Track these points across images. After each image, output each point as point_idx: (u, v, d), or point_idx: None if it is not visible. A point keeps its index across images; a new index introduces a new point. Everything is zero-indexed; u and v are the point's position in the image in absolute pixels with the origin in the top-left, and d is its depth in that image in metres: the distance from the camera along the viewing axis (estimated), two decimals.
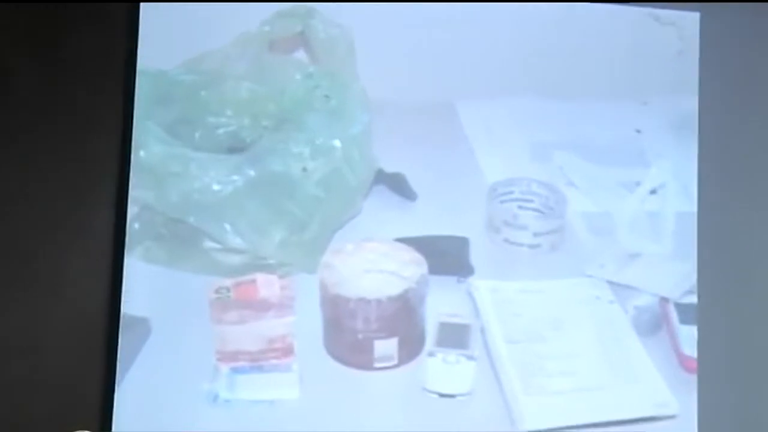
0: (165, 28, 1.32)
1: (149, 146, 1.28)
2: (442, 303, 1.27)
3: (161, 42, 1.32)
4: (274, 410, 1.19)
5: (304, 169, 1.30)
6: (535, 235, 1.38)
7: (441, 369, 1.19)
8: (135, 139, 1.28)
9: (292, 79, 1.38)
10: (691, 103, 1.39)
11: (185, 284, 1.29)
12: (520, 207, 1.42)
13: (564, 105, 1.69)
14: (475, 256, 1.36)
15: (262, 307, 1.20)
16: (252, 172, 1.28)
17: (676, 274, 1.32)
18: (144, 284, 1.29)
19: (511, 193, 1.43)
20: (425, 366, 1.20)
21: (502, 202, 1.42)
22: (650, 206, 1.41)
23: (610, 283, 1.33)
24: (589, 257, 1.36)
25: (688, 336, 1.26)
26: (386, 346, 1.21)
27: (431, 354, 1.19)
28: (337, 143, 1.32)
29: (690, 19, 1.38)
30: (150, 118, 1.30)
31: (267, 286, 1.21)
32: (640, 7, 1.47)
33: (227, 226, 1.28)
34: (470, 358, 1.19)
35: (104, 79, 1.29)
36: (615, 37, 1.44)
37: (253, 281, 1.21)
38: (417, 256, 1.26)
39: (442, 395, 1.19)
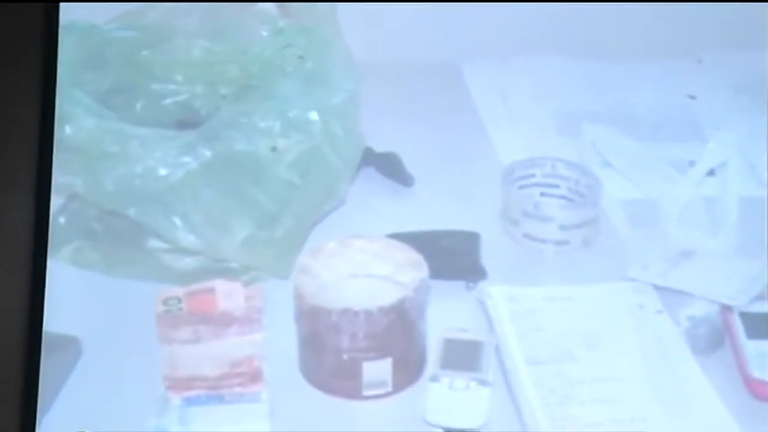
0: None
1: (77, 120, 1.27)
2: (447, 315, 1.27)
3: None
4: None
5: (274, 149, 1.30)
6: (563, 228, 1.38)
7: (446, 397, 1.17)
8: (59, 112, 1.27)
9: (258, 35, 1.39)
10: (759, 60, 1.41)
11: (125, 294, 1.30)
12: (543, 194, 1.45)
13: (597, 65, 1.71)
14: (488, 256, 1.37)
15: (223, 321, 1.18)
16: (208, 153, 1.28)
17: (741, 276, 1.31)
18: (73, 294, 1.30)
19: (532, 176, 1.46)
20: (427, 393, 1.18)
21: (520, 187, 1.45)
22: (708, 191, 1.44)
23: (657, 288, 1.32)
24: (630, 256, 1.37)
25: (758, 354, 1.23)
26: (378, 370, 1.20)
27: (434, 378, 1.18)
28: (314, 116, 1.33)
29: None
30: (78, 84, 1.30)
31: (228, 295, 1.20)
32: None
33: (177, 221, 1.28)
34: (483, 383, 1.17)
35: (18, 36, 1.29)
36: None
37: (211, 290, 1.20)
38: (415, 257, 1.24)
39: (448, 430, 1.17)
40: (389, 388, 1.20)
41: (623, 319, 1.29)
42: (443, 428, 1.16)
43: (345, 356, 1.19)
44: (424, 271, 1.22)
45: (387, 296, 1.19)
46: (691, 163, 1.47)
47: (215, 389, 1.17)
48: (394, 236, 1.30)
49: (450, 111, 1.65)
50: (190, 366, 1.17)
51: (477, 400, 1.16)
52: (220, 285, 1.19)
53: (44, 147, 1.26)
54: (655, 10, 1.56)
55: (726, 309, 1.27)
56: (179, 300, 1.18)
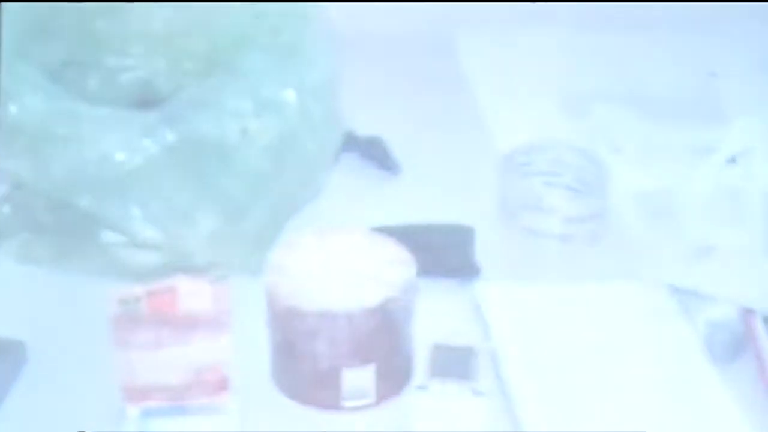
0: None
1: (22, 98, 1.27)
2: (437, 317, 1.26)
3: None
4: None
5: (245, 132, 1.30)
6: (567, 221, 1.40)
7: (436, 408, 1.17)
8: (2, 89, 1.26)
9: (227, 4, 1.39)
10: None
11: (76, 293, 1.30)
12: (546, 183, 1.45)
13: (607, 39, 1.71)
14: (484, 252, 1.38)
15: (186, 324, 1.18)
16: (170, 136, 1.28)
17: (766, 277, 1.32)
18: (18, 293, 1.31)
19: (534, 163, 1.45)
20: (414, 405, 1.18)
21: (521, 176, 1.45)
22: (729, 180, 1.43)
23: (673, 288, 1.32)
24: (642, 253, 1.38)
25: None
26: (360, 378, 1.20)
27: (422, 388, 1.17)
28: (290, 95, 1.33)
29: None
30: (23, 58, 1.30)
31: (192, 295, 1.19)
32: None
33: (136, 212, 1.28)
34: (476, 393, 1.17)
35: None
36: None
37: (173, 289, 1.19)
38: (402, 253, 1.24)
39: None
40: (372, 399, 1.20)
41: (634, 323, 1.29)
42: None
43: (323, 363, 1.19)
44: (411, 269, 1.22)
45: (370, 297, 1.18)
46: (712, 149, 1.47)
47: (177, 399, 1.16)
48: (379, 230, 1.29)
49: (442, 90, 1.66)
50: (150, 374, 1.16)
51: (470, 412, 1.16)
52: (184, 283, 1.18)
53: None
54: None
55: (748, 313, 1.27)
56: (137, 300, 1.17)
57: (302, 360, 1.20)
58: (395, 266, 1.22)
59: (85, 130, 1.27)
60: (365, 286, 1.20)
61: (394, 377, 1.22)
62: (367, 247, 1.25)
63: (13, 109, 1.26)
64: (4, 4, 1.27)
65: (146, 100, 1.39)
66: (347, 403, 1.20)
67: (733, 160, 1.45)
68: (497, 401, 1.20)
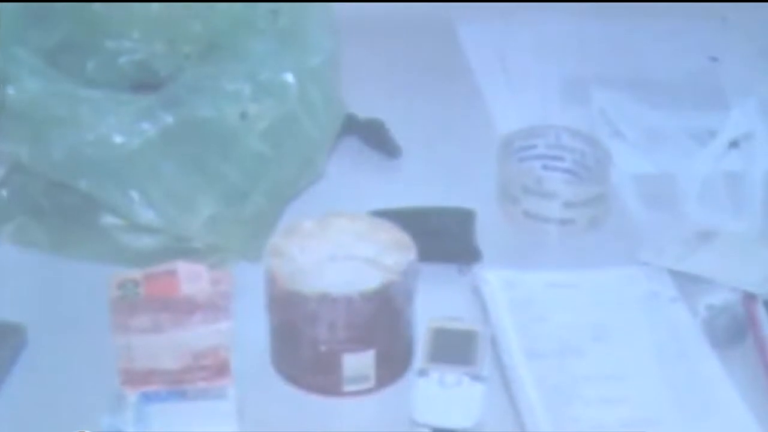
0: None
1: (21, 81, 1.27)
2: (437, 302, 1.27)
3: None
4: None
5: (244, 115, 1.30)
6: (567, 206, 1.40)
7: (436, 394, 1.17)
8: (0, 73, 1.26)
9: None
10: None
11: (75, 277, 1.30)
12: (545, 167, 1.46)
13: (608, 24, 1.70)
14: (484, 236, 1.38)
15: (186, 308, 1.18)
16: (169, 119, 1.28)
17: (766, 261, 1.32)
18: (16, 277, 1.31)
19: (534, 147, 1.47)
20: (414, 390, 1.17)
21: (520, 159, 1.46)
22: (730, 165, 1.44)
23: (673, 273, 1.32)
24: (642, 238, 1.37)
25: None
26: (360, 363, 1.20)
27: (422, 373, 1.17)
28: (289, 79, 1.33)
29: None
30: (21, 41, 1.30)
31: (192, 279, 1.20)
32: None
33: (134, 195, 1.28)
34: (477, 378, 1.17)
35: None
36: None
37: (173, 273, 1.19)
38: (402, 237, 1.24)
39: (436, 430, 1.16)
40: (372, 384, 1.20)
41: (634, 308, 1.29)
42: (432, 428, 1.16)
43: (323, 348, 1.19)
44: (411, 253, 1.22)
45: (370, 281, 1.18)
46: (712, 134, 1.48)
47: (177, 384, 1.17)
48: (379, 214, 1.29)
49: (442, 74, 1.66)
50: (149, 358, 1.17)
51: (470, 397, 1.16)
52: (183, 267, 1.19)
53: None
54: None
55: (749, 298, 1.27)
56: (136, 284, 1.18)
57: (302, 344, 1.20)
58: (395, 250, 1.22)
59: (84, 113, 1.26)
60: (365, 271, 1.20)
61: (394, 362, 1.22)
62: (366, 231, 1.25)
63: (11, 92, 1.26)
64: None
65: (145, 83, 1.39)
66: (347, 388, 1.20)
67: (733, 145, 1.45)
68: (497, 386, 1.20)
